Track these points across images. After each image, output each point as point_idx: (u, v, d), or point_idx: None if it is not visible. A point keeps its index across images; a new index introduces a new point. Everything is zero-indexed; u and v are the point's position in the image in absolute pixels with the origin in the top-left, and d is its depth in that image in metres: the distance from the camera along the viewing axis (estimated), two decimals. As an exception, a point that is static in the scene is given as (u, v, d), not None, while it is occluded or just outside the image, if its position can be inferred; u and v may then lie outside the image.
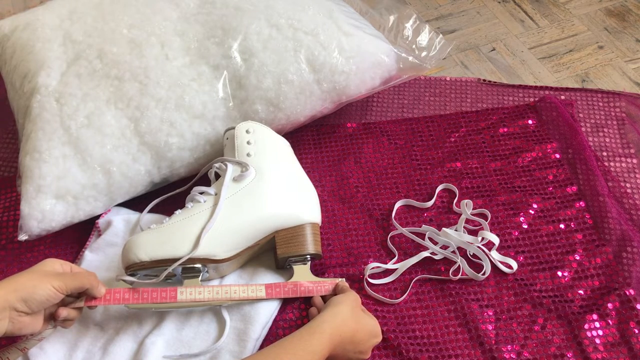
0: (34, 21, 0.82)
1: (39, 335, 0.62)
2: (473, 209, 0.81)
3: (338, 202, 0.83)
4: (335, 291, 0.70)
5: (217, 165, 0.74)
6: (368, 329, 0.63)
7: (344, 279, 0.72)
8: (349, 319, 0.61)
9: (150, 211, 0.80)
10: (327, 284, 0.71)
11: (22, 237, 0.72)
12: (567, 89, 0.97)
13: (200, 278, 0.69)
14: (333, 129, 0.92)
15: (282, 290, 0.69)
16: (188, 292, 0.66)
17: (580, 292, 0.73)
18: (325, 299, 0.70)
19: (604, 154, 0.88)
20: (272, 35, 0.81)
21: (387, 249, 0.78)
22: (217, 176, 0.76)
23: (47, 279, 0.58)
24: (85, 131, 0.74)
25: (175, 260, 0.66)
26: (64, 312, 0.61)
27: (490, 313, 0.71)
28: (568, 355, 0.68)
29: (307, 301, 0.72)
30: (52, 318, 0.61)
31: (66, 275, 0.60)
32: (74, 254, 0.78)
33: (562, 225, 0.79)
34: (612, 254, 0.76)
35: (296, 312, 0.70)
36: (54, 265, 0.61)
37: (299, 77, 0.80)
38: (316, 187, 0.79)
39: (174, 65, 0.79)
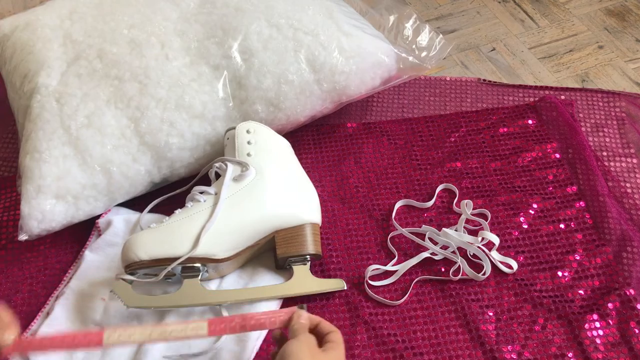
0: (34, 21, 0.82)
1: None
2: (473, 209, 0.81)
3: (338, 202, 0.83)
4: (291, 323, 0.59)
5: (217, 165, 0.74)
6: None
7: (304, 306, 0.61)
8: None
9: (151, 211, 0.80)
10: (282, 314, 0.60)
11: (22, 237, 0.72)
12: (567, 89, 0.97)
13: (199, 277, 0.69)
14: (333, 129, 0.92)
15: (227, 326, 0.59)
16: (117, 335, 0.58)
17: (581, 292, 0.73)
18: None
19: (604, 154, 0.88)
20: (272, 36, 0.81)
21: (387, 249, 0.78)
22: (218, 176, 0.76)
23: None
24: (85, 131, 0.74)
25: (174, 259, 0.66)
26: None
27: (491, 313, 0.71)
28: (569, 355, 0.67)
29: (308, 298, 0.72)
30: None
31: None
32: (74, 254, 0.78)
33: (562, 225, 0.79)
34: (612, 254, 0.76)
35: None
36: None
37: (299, 77, 0.80)
38: (316, 187, 0.79)
39: (174, 65, 0.79)
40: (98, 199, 0.76)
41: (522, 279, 0.74)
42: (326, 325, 0.59)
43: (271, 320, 0.59)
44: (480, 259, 0.75)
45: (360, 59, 0.83)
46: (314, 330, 0.58)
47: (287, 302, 0.71)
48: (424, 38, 0.91)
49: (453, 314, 0.71)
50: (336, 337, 0.57)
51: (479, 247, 0.75)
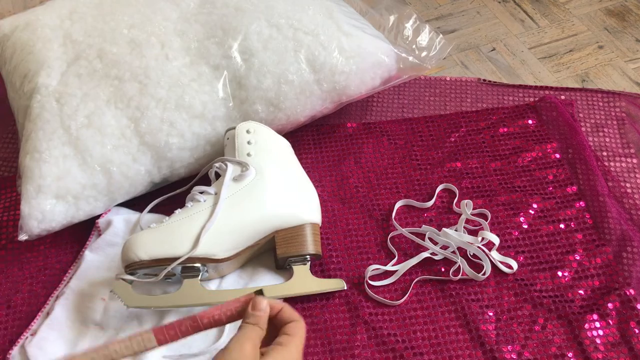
0: (34, 21, 0.82)
1: None
2: (473, 209, 0.81)
3: (338, 202, 0.83)
4: (249, 310, 0.50)
5: (217, 165, 0.74)
6: None
7: (262, 290, 0.54)
8: None
9: (151, 211, 0.80)
10: (237, 304, 0.51)
11: (22, 237, 0.72)
12: (567, 89, 0.97)
13: (199, 277, 0.69)
14: (333, 129, 0.92)
15: (177, 331, 0.51)
16: None
17: (581, 292, 0.73)
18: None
19: (604, 154, 0.88)
20: (272, 36, 0.81)
21: (387, 249, 0.78)
22: (218, 176, 0.76)
23: None
24: (85, 131, 0.74)
25: (174, 259, 0.66)
26: None
27: (491, 313, 0.71)
28: (569, 355, 0.67)
29: (308, 298, 0.72)
30: None
31: None
32: (74, 253, 0.78)
33: (562, 225, 0.79)
34: (612, 254, 0.76)
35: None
36: None
37: (299, 77, 0.80)
38: (316, 187, 0.79)
39: (174, 65, 0.79)
40: (98, 199, 0.76)
41: (522, 279, 0.74)
42: (287, 313, 0.50)
43: (227, 314, 0.51)
44: (480, 259, 0.75)
45: (360, 59, 0.83)
46: (274, 319, 0.50)
47: (290, 299, 0.71)
48: (424, 38, 0.91)
49: (453, 314, 0.71)
50: (294, 329, 0.49)
51: (479, 247, 0.75)
